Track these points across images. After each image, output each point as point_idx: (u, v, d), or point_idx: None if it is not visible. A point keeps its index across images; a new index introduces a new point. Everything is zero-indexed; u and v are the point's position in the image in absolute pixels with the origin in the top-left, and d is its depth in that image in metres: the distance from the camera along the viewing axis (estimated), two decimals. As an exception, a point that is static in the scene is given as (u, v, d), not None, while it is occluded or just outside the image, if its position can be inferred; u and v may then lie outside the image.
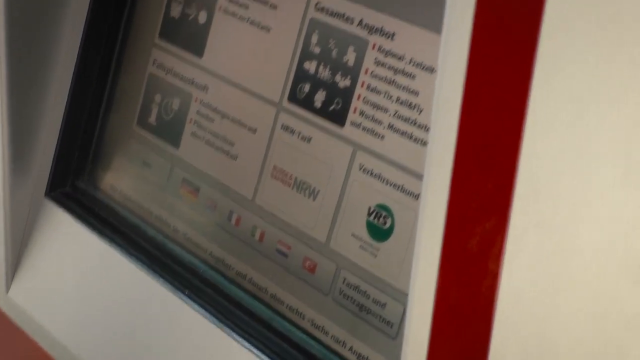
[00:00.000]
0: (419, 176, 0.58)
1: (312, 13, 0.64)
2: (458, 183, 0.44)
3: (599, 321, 0.41)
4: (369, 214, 0.60)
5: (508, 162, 0.42)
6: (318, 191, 0.63)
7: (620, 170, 0.39)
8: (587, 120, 0.40)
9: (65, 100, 0.76)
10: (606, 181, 0.40)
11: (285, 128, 0.65)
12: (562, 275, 0.41)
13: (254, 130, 0.67)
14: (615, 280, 0.40)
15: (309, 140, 0.64)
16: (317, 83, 0.63)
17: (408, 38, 0.59)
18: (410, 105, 0.58)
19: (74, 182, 0.78)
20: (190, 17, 0.71)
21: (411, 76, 0.58)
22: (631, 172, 0.39)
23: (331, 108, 0.62)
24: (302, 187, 0.64)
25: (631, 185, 0.39)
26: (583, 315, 0.41)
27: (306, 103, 0.64)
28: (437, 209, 0.45)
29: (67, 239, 0.76)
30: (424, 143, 0.58)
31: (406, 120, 0.58)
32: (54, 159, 0.77)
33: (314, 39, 0.63)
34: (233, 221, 0.68)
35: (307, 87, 0.64)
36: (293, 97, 0.65)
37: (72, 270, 0.75)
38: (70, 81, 0.75)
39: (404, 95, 0.59)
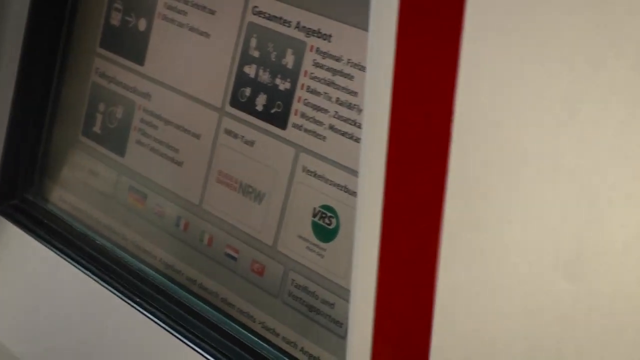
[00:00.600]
0: (361, 176, 0.58)
1: (250, 17, 0.64)
2: (391, 183, 0.44)
3: (534, 317, 0.41)
4: (314, 215, 0.60)
5: (438, 161, 0.42)
6: (263, 194, 0.63)
7: (547, 167, 0.40)
8: (513, 118, 0.40)
9: (8, 111, 0.75)
10: (534, 179, 0.40)
11: (229, 132, 0.65)
12: (496, 273, 0.42)
13: (197, 136, 0.67)
14: (545, 275, 0.41)
15: (252, 143, 0.64)
16: (257, 87, 0.63)
17: (345, 39, 0.59)
18: (350, 106, 0.59)
19: (22, 194, 0.78)
20: (130, 25, 0.71)
21: (349, 77, 0.59)
22: (558, 169, 0.40)
23: (273, 111, 0.63)
24: (248, 191, 0.64)
25: (558, 182, 0.40)
26: (518, 311, 0.42)
27: (248, 107, 0.64)
28: (373, 209, 0.45)
29: (17, 251, 0.76)
30: (364, 143, 0.58)
31: (346, 120, 0.59)
32: (0, 171, 0.77)
33: (253, 42, 0.64)
34: (181, 227, 0.68)
35: (248, 91, 0.64)
36: (235, 102, 0.65)
37: (24, 282, 0.75)
38: (12, 91, 0.75)
39: (343, 96, 0.59)
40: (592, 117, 0.39)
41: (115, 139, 0.73)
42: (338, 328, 0.59)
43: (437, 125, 0.43)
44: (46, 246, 0.73)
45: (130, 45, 0.71)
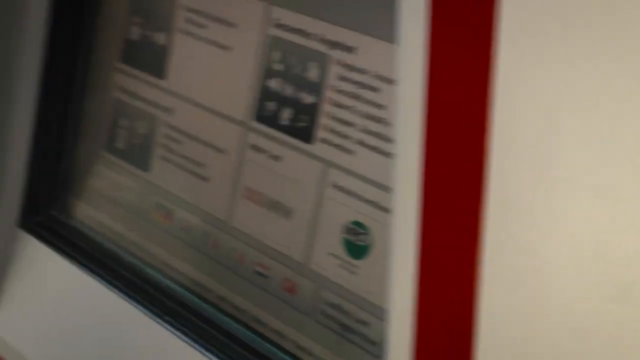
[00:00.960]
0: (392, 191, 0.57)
1: (272, 30, 0.63)
2: (428, 201, 0.43)
3: (580, 338, 0.40)
4: (346, 232, 0.59)
5: (476, 178, 0.41)
6: (292, 210, 0.62)
7: (598, 186, 0.38)
8: (556, 130, 0.38)
9: (31, 127, 0.74)
10: (579, 197, 0.39)
11: (254, 147, 0.64)
12: (539, 293, 0.40)
13: (223, 151, 0.66)
14: (592, 297, 0.39)
15: (278, 158, 0.63)
16: (282, 101, 0.62)
17: (370, 51, 0.58)
18: (378, 120, 0.57)
19: (47, 211, 0.77)
20: (150, 40, 0.70)
21: (376, 90, 0.57)
22: (610, 189, 0.38)
23: (298, 125, 0.61)
24: (276, 207, 0.63)
25: (605, 199, 0.38)
26: (564, 332, 0.40)
27: (273, 121, 0.63)
28: (409, 228, 0.44)
29: (43, 269, 0.75)
30: (394, 158, 0.57)
31: (375, 134, 0.58)
32: (24, 188, 0.76)
33: (276, 56, 0.62)
34: (210, 244, 0.67)
35: (272, 106, 0.63)
36: (260, 116, 0.64)
37: (51, 301, 0.74)
38: (34, 107, 0.74)
39: (370, 110, 0.58)
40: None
41: (139, 155, 0.72)
42: (373, 347, 0.58)
43: (473, 140, 0.41)
44: (72, 263, 0.73)
45: (151, 59, 0.70)
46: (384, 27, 0.56)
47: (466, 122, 0.41)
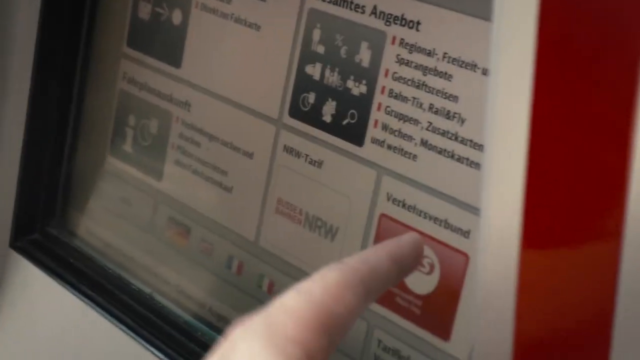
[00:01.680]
0: (466, 206, 0.44)
1: (311, 2, 0.50)
2: (533, 230, 0.30)
3: None
4: (405, 259, 0.46)
5: (613, 200, 0.28)
6: (337, 229, 0.49)
7: None
8: None
9: (22, 129, 0.62)
10: None
11: (289, 150, 0.51)
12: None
13: (250, 155, 0.53)
14: None
15: (319, 164, 0.50)
16: (324, 92, 0.49)
17: (438, 26, 0.45)
18: (448, 115, 0.44)
19: (43, 228, 0.65)
20: (163, 19, 0.58)
21: (446, 76, 0.44)
22: None
23: (345, 122, 0.49)
24: (316, 225, 0.50)
25: None
26: None
27: (312, 118, 0.50)
28: (506, 265, 0.32)
29: (36, 295, 0.63)
30: (470, 163, 0.44)
31: (444, 134, 0.45)
32: (16, 202, 0.63)
33: (316, 35, 0.50)
34: (234, 269, 0.55)
35: (312, 98, 0.50)
36: (295, 111, 0.51)
37: (45, 332, 0.62)
38: (25, 105, 0.62)
39: (438, 102, 0.45)
40: None
41: (150, 159, 0.59)
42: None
43: (602, 160, 0.29)
44: (71, 291, 0.61)
45: (164, 43, 0.58)
46: (457, -6, 0.44)
47: (604, 125, 0.29)
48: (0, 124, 0.62)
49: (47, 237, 0.65)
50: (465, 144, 0.44)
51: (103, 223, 0.63)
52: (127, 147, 0.61)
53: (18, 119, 0.62)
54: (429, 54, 0.45)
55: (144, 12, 0.59)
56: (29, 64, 0.61)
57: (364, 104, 0.48)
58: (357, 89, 0.48)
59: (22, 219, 0.64)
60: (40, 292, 0.63)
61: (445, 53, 0.45)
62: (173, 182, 0.58)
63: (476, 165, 0.44)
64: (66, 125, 0.63)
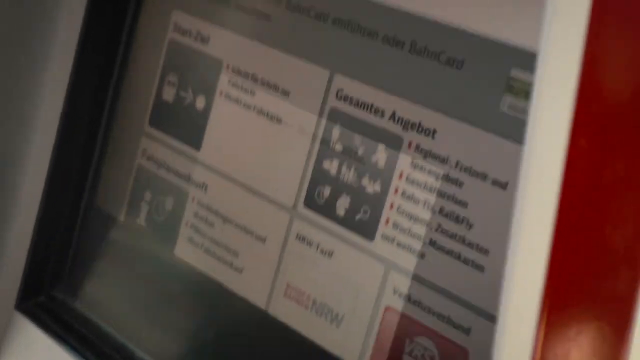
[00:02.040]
0: (469, 305, 0.47)
1: (333, 102, 0.53)
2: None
3: None
4: (408, 352, 0.49)
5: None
6: (342, 316, 0.52)
7: None
8: None
9: (40, 194, 0.65)
10: None
11: (301, 238, 0.54)
12: None
13: (262, 239, 0.56)
14: None
15: (330, 254, 0.53)
16: (339, 186, 0.52)
17: (453, 136, 0.48)
18: (457, 219, 0.48)
19: (50, 291, 0.67)
20: (186, 102, 0.61)
21: (458, 183, 0.48)
22: None
23: (357, 217, 0.52)
24: (323, 311, 0.53)
25: None
26: None
27: (326, 210, 0.53)
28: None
29: (40, 359, 0.64)
30: (475, 265, 0.47)
31: (452, 236, 0.48)
32: (26, 263, 0.66)
33: (336, 133, 0.53)
34: (238, 346, 0.57)
35: (327, 191, 0.53)
36: (310, 202, 0.54)
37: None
38: (46, 171, 0.64)
39: (448, 206, 0.48)
40: None
41: (163, 234, 0.62)
42: None
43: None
44: (74, 356, 0.62)
45: (186, 125, 0.61)
46: (472, 108, 0.47)
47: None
48: (20, 188, 0.64)
49: (53, 301, 0.67)
50: (472, 247, 0.47)
51: (111, 291, 0.65)
52: (141, 220, 0.63)
53: (37, 181, 0.64)
54: (443, 161, 0.48)
55: (169, 94, 0.62)
56: (52, 134, 0.64)
57: (377, 202, 0.51)
58: (372, 187, 0.51)
59: (29, 282, 0.66)
60: (43, 355, 0.64)
61: (457, 161, 0.48)
62: (184, 257, 0.60)
63: (480, 267, 0.47)
64: (82, 193, 0.66)
